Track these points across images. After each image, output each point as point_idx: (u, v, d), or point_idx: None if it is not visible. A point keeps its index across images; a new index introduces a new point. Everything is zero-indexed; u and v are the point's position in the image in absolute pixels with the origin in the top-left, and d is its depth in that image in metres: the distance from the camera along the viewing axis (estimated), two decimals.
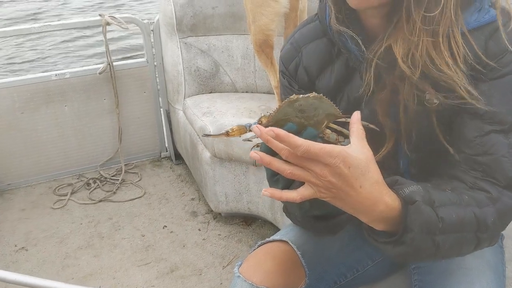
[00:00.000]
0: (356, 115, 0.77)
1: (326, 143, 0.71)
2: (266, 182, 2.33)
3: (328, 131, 0.83)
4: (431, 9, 0.80)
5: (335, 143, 0.80)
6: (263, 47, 2.17)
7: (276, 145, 0.69)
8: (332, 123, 0.83)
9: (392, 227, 0.78)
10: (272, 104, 2.43)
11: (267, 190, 0.74)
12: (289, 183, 0.78)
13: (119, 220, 2.47)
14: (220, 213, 2.44)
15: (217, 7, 2.54)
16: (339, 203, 0.74)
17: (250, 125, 0.80)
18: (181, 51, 2.57)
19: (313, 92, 0.79)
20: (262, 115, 0.81)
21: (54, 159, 2.79)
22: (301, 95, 0.79)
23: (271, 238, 1.12)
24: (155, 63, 2.80)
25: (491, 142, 0.84)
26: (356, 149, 0.72)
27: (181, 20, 2.51)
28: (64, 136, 2.75)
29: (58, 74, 2.61)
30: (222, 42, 2.63)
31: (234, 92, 2.71)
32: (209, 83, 2.67)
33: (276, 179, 0.79)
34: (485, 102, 0.84)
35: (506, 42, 0.83)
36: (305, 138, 0.69)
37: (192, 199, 2.63)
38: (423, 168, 0.98)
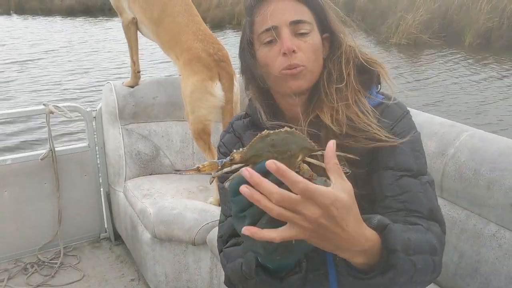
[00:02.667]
0: (330, 150, 0.76)
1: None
2: (204, 261, 2.44)
3: (304, 166, 0.82)
4: (339, 82, 1.09)
5: (309, 179, 0.80)
6: (201, 134, 2.39)
7: (268, 187, 0.70)
8: (310, 158, 0.84)
9: (370, 258, 0.83)
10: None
11: (248, 229, 0.73)
12: (256, 221, 0.78)
13: None
14: None
15: (157, 97, 2.75)
16: (322, 242, 0.76)
17: (222, 162, 0.80)
18: (122, 137, 2.73)
19: (285, 127, 0.80)
20: (235, 151, 0.80)
21: None
22: (273, 130, 0.79)
23: None
24: (97, 148, 2.92)
25: (405, 183, 1.02)
26: (339, 187, 0.74)
27: (123, 109, 2.69)
28: (2, 221, 2.75)
29: (0, 160, 2.67)
30: (162, 128, 2.82)
31: (173, 173, 2.87)
32: (150, 166, 2.83)
33: (243, 215, 0.79)
34: (392, 158, 1.05)
35: (392, 116, 1.10)
36: (259, 168, 0.74)
37: (132, 279, 2.68)
38: None
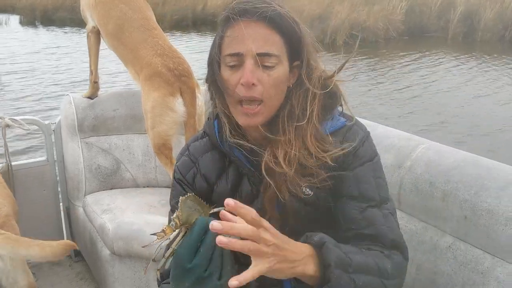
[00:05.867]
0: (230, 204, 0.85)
1: None
2: None
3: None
4: (300, 120, 1.07)
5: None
6: (162, 149, 2.35)
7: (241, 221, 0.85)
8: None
9: (317, 271, 0.92)
10: None
11: (234, 280, 0.82)
12: None
13: None
14: None
15: (118, 109, 2.70)
16: (284, 265, 0.87)
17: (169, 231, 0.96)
18: (82, 150, 2.66)
19: (188, 193, 1.03)
20: (167, 226, 0.96)
21: None
22: (184, 196, 1.01)
23: None
24: (56, 162, 2.84)
25: (370, 215, 1.06)
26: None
27: (83, 121, 2.63)
28: None
29: None
30: (124, 141, 2.77)
31: (135, 187, 2.81)
32: (110, 180, 2.76)
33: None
34: (356, 187, 1.08)
35: (355, 138, 1.10)
36: (199, 226, 0.92)
37: None
38: None
